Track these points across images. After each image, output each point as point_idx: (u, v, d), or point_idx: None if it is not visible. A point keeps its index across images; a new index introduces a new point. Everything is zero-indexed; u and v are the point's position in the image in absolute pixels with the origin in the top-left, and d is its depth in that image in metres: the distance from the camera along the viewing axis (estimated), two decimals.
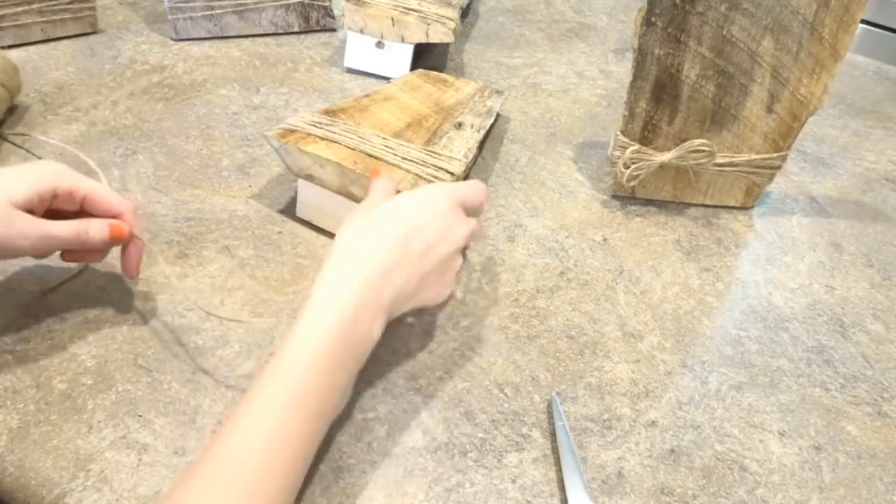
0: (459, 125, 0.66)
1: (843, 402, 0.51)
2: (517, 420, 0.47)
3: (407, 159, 0.57)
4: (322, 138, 0.57)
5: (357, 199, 0.56)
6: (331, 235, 0.60)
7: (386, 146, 0.58)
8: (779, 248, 0.65)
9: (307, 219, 0.60)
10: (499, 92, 0.77)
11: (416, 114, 0.67)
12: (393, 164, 0.56)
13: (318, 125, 0.59)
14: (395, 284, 0.43)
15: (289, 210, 0.62)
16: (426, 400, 0.47)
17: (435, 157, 0.59)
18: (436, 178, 0.56)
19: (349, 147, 0.57)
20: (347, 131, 0.59)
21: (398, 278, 0.43)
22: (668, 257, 0.62)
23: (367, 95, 0.67)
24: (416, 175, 0.56)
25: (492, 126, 0.74)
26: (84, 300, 0.51)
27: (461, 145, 0.63)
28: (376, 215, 0.46)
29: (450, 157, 0.60)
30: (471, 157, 0.62)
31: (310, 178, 0.57)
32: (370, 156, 0.56)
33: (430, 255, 0.45)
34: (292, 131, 0.58)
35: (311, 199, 0.59)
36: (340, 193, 0.57)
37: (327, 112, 0.62)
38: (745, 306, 0.58)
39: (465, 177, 0.63)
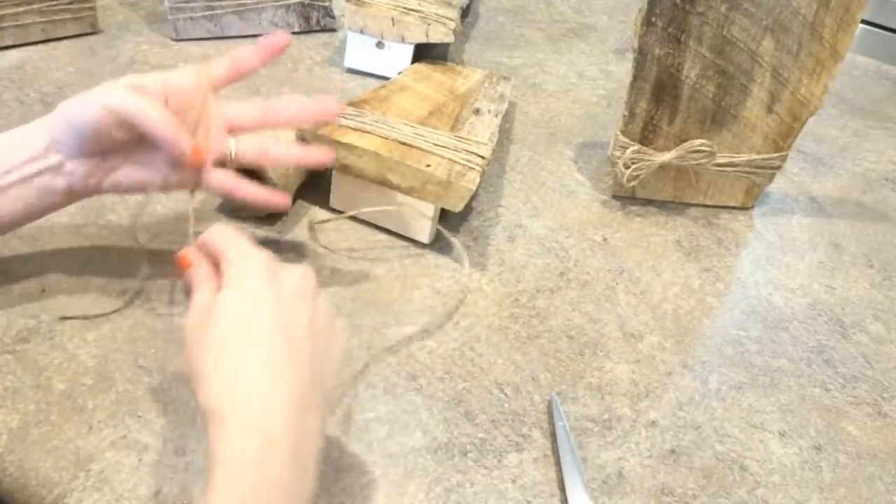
0: (477, 111, 0.67)
1: (843, 402, 0.51)
2: (517, 420, 0.47)
3: (438, 145, 0.58)
4: (354, 129, 0.58)
5: (393, 186, 0.57)
6: (362, 223, 0.60)
7: (416, 133, 0.59)
8: (779, 248, 0.65)
9: (341, 209, 0.61)
10: (506, 78, 0.78)
11: (435, 102, 0.68)
12: (426, 151, 0.57)
13: (347, 116, 0.59)
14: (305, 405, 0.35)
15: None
16: (426, 400, 0.47)
17: (464, 143, 0.59)
18: (469, 162, 0.57)
19: (382, 136, 0.58)
20: (377, 121, 0.59)
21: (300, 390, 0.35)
22: (668, 257, 0.62)
23: (383, 87, 0.68)
24: (451, 160, 0.56)
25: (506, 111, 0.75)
26: (84, 300, 0.51)
27: (484, 130, 0.64)
28: (222, 338, 0.35)
29: (477, 141, 0.61)
30: (494, 140, 0.63)
31: (345, 168, 0.58)
32: (403, 143, 0.57)
33: (301, 337, 0.36)
34: (325, 124, 0.58)
35: (347, 189, 0.60)
36: (376, 181, 0.57)
37: (351, 104, 0.62)
38: (746, 306, 0.58)
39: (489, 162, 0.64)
